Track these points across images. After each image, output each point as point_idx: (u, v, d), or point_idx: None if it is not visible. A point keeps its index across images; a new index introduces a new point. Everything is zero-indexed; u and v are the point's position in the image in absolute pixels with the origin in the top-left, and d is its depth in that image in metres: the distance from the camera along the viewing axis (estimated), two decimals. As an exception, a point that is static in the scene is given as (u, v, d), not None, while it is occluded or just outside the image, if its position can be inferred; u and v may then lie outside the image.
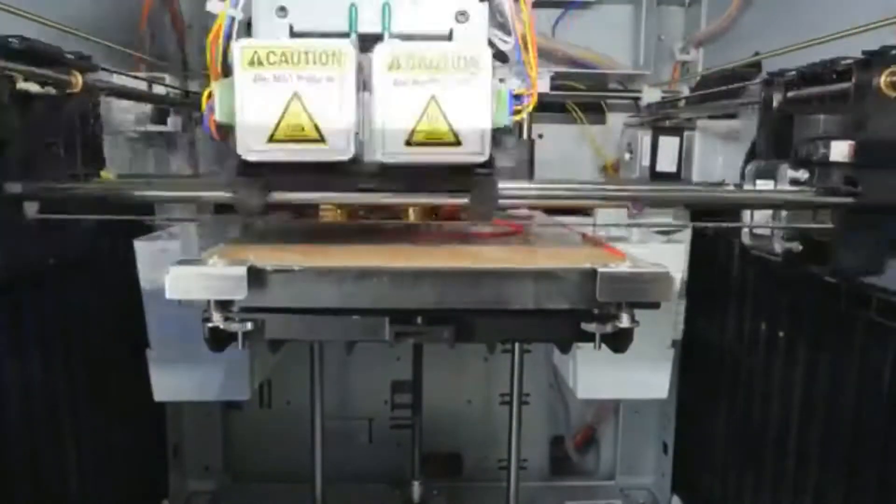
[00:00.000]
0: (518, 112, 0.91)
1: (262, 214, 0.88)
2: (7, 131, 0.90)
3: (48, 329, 1.14)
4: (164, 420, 1.75)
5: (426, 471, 1.68)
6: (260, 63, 0.80)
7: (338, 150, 0.82)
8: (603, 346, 0.85)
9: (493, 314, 0.84)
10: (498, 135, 0.88)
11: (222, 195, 0.88)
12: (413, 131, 0.82)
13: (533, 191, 0.99)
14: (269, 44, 0.80)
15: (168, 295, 0.75)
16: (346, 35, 0.88)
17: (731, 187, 1.17)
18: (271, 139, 0.81)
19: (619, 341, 0.84)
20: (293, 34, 0.90)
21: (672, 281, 0.80)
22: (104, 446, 1.33)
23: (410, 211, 0.94)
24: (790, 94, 1.07)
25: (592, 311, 0.83)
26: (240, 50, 0.80)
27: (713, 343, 1.48)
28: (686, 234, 1.40)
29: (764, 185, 1.06)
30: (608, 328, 0.83)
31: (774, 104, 1.09)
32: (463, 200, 0.88)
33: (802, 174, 0.99)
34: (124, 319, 1.24)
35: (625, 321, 0.80)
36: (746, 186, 1.10)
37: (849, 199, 0.91)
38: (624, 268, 0.79)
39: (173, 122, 1.59)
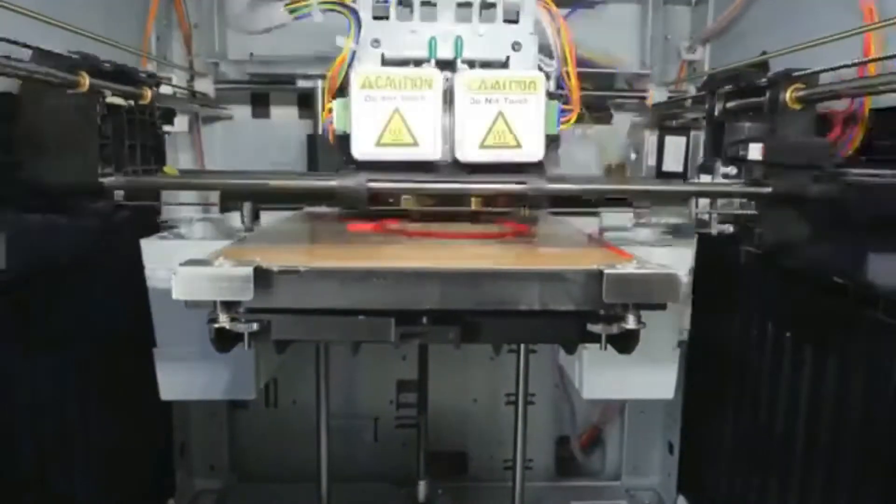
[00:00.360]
0: (564, 123, 1.14)
1: (367, 203, 1.07)
2: (103, 136, 1.14)
3: (56, 328, 1.14)
4: (171, 419, 1.75)
5: (431, 470, 1.68)
6: (370, 86, 1.03)
7: (427, 151, 1.04)
8: (609, 346, 0.85)
9: (498, 315, 0.84)
10: (549, 142, 1.09)
11: (334, 184, 1.06)
12: (485, 137, 1.05)
13: (575, 185, 1.18)
14: (378, 70, 1.05)
15: (174, 296, 0.76)
16: (426, 61, 1.13)
17: (680, 182, 1.47)
18: (378, 143, 1.04)
19: (625, 342, 0.84)
20: (384, 61, 1.15)
21: (679, 282, 0.79)
22: (111, 445, 1.34)
23: (472, 201, 1.16)
24: (728, 104, 1.30)
25: (598, 312, 0.82)
26: (356, 76, 1.03)
27: (719, 343, 1.48)
28: (693, 235, 1.40)
29: (705, 178, 1.32)
30: (614, 329, 0.83)
31: (716, 113, 1.33)
32: (522, 186, 1.08)
33: (731, 170, 1.25)
34: (131, 319, 1.24)
35: (631, 322, 0.80)
36: (692, 180, 1.36)
37: (767, 190, 1.14)
38: (630, 269, 0.79)
39: (179, 122, 1.60)
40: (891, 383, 0.96)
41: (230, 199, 1.33)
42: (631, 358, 0.86)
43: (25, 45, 0.97)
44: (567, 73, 1.16)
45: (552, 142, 1.11)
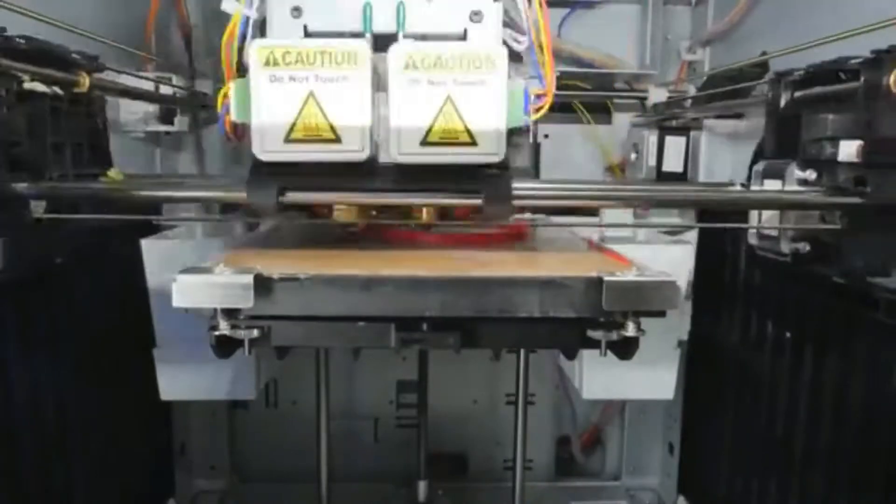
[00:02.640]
0: (535, 112, 0.91)
1: (277, 214, 0.88)
2: (14, 131, 0.90)
3: (55, 328, 1.14)
4: (171, 419, 1.75)
5: (432, 471, 1.68)
6: (276, 63, 0.80)
7: (353, 150, 0.82)
8: (608, 352, 0.86)
9: (498, 321, 0.84)
10: (513, 135, 0.89)
11: (237, 196, 0.88)
12: (428, 131, 0.82)
13: (547, 190, 1.00)
14: (285, 44, 0.81)
15: (175, 303, 0.76)
16: (360, 35, 0.89)
17: (739, 187, 1.15)
18: (287, 139, 0.82)
19: (624, 349, 0.84)
20: (307, 34, 0.90)
21: (678, 289, 0.80)
22: (111, 445, 1.34)
23: (424, 211, 0.93)
24: (797, 93, 1.05)
25: (598, 318, 0.82)
26: (256, 50, 0.80)
27: (719, 343, 1.48)
28: (693, 234, 1.39)
29: (771, 185, 1.05)
30: (614, 336, 0.83)
31: (781, 104, 1.07)
32: (477, 201, 0.87)
33: (810, 174, 0.98)
34: (131, 319, 1.24)
35: (631, 330, 0.80)
36: (753, 187, 1.09)
37: (857, 200, 0.90)
38: (630, 276, 0.79)
39: (180, 123, 1.59)
40: (891, 384, 0.95)
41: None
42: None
43: None
44: (540, 47, 0.91)
45: (519, 136, 0.95)
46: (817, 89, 1.01)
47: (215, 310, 0.78)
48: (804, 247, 1.03)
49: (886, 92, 0.86)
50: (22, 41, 0.91)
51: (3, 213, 0.90)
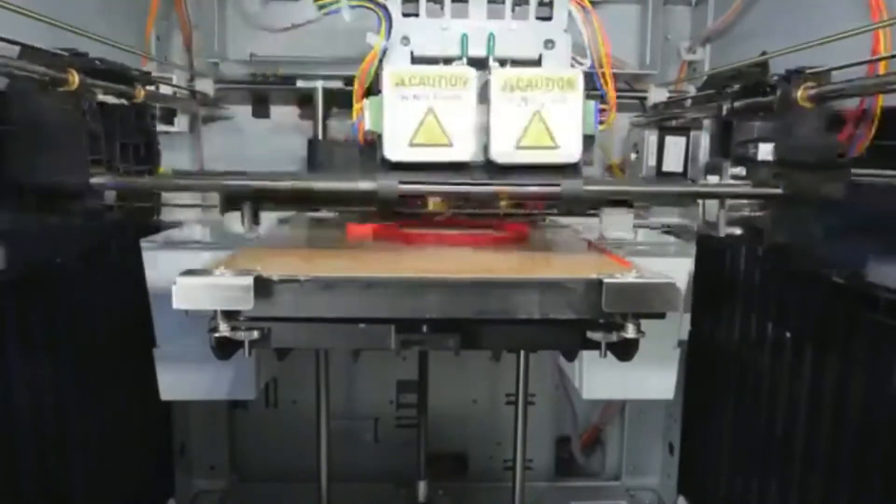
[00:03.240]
0: (602, 123, 1.10)
1: (400, 205, 1.05)
2: (94, 135, 1.09)
3: (56, 328, 1.14)
4: (171, 419, 1.75)
5: (432, 471, 1.68)
6: (403, 84, 0.98)
7: (462, 152, 1.00)
8: (608, 353, 0.86)
9: (498, 323, 0.85)
10: (585, 141, 1.05)
11: (367, 186, 1.03)
12: (521, 137, 1.00)
13: (609, 188, 1.16)
14: (411, 68, 1.01)
15: (175, 305, 0.76)
16: (457, 59, 1.11)
17: (689, 182, 1.42)
18: (411, 144, 0.99)
19: (624, 350, 0.85)
20: (414, 58, 1.13)
21: (678, 291, 0.80)
22: (111, 445, 1.34)
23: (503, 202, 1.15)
24: (736, 103, 1.25)
25: (598, 320, 0.83)
26: (389, 74, 0.99)
27: (719, 343, 1.48)
28: (693, 235, 1.39)
29: (712, 179, 1.28)
30: (614, 337, 0.83)
31: (724, 112, 1.28)
32: (557, 189, 1.03)
33: (741, 170, 1.20)
34: (131, 319, 1.24)
35: (630, 332, 0.81)
36: (700, 181, 1.32)
37: (778, 191, 1.10)
38: (630, 278, 0.80)
39: (180, 123, 1.60)
40: (891, 384, 0.96)
41: (230, 201, 1.28)
42: (631, 358, 0.86)
43: (13, 42, 0.95)
44: (602, 71, 1.13)
45: (589, 142, 1.08)
46: (748, 100, 1.22)
47: (215, 311, 0.79)
48: (736, 230, 1.25)
49: (795, 104, 1.07)
50: (98, 62, 1.12)
51: (83, 202, 1.07)
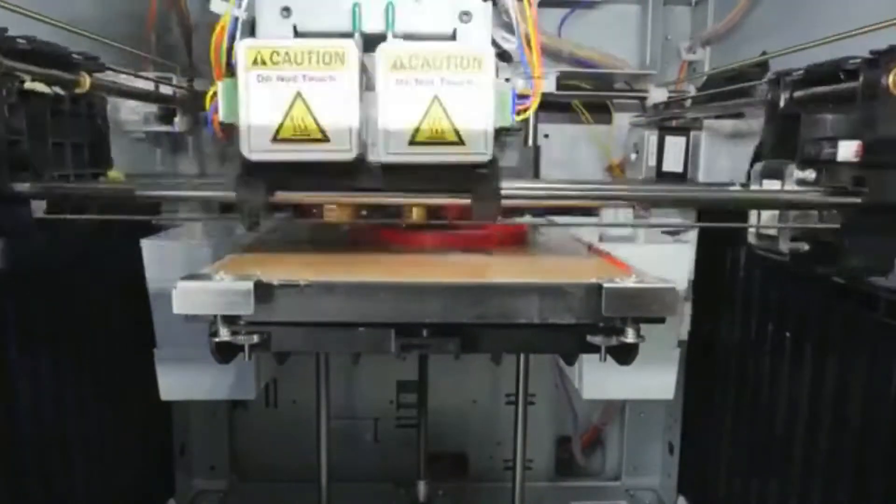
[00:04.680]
0: (521, 112, 0.91)
1: (266, 214, 0.88)
2: (14, 131, 0.90)
3: (56, 328, 1.14)
4: (171, 419, 1.75)
5: (432, 471, 1.68)
6: (263, 63, 0.80)
7: (341, 149, 0.82)
8: (608, 357, 0.86)
9: (498, 327, 0.84)
10: (501, 135, 0.90)
11: (226, 195, 0.88)
12: (416, 131, 0.82)
13: (537, 191, 1.00)
14: (272, 44, 0.80)
15: (175, 310, 0.76)
16: (349, 35, 0.88)
17: (738, 187, 1.15)
18: (275, 139, 0.81)
19: (624, 354, 0.84)
20: (297, 34, 0.90)
21: (677, 295, 0.80)
22: (111, 445, 1.34)
23: (414, 211, 0.93)
24: (797, 93, 1.05)
25: (598, 324, 0.83)
26: (243, 50, 0.80)
27: (719, 344, 1.48)
28: (693, 234, 1.39)
29: (770, 185, 1.05)
30: (614, 341, 0.83)
31: (781, 104, 1.07)
32: (465, 201, 0.87)
33: (809, 174, 0.98)
34: (131, 319, 1.24)
35: (630, 336, 0.81)
36: (753, 186, 1.09)
37: (856, 199, 0.91)
38: (629, 283, 0.80)
39: (180, 123, 1.59)
40: (891, 385, 0.95)
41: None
42: (631, 358, 0.86)
43: None
44: (529, 44, 0.92)
45: (508, 135, 0.96)
46: (816, 89, 1.00)
47: (215, 316, 0.78)
48: (803, 246, 1.03)
49: (885, 92, 0.86)
50: (23, 41, 0.91)
51: (4, 213, 0.90)
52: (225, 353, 0.82)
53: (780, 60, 1.19)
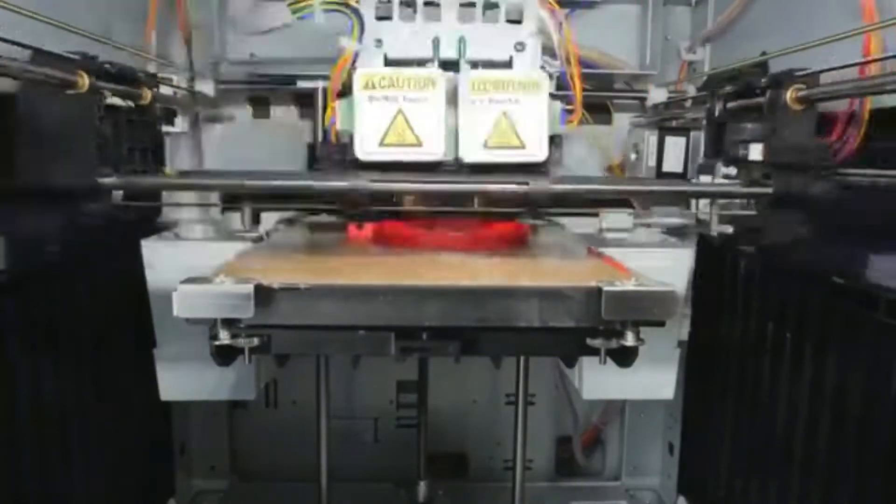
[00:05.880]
0: (568, 123, 1.16)
1: (370, 205, 1.06)
2: (102, 137, 1.12)
3: (56, 328, 1.14)
4: (171, 419, 1.75)
5: (432, 471, 1.68)
6: (373, 86, 1.03)
7: (431, 152, 1.05)
8: (608, 359, 0.86)
9: (498, 331, 0.85)
10: (553, 140, 1.10)
11: (339, 185, 1.05)
12: (489, 138, 1.06)
13: (576, 186, 1.16)
14: (381, 71, 1.06)
15: (175, 313, 0.77)
16: (430, 61, 1.14)
17: (681, 181, 1.46)
18: (381, 143, 1.04)
19: (624, 357, 0.85)
20: (387, 61, 1.16)
21: (676, 298, 0.81)
22: (111, 445, 1.34)
23: (476, 199, 1.16)
24: (728, 104, 1.28)
25: (598, 327, 0.83)
26: (359, 76, 1.04)
27: (719, 344, 1.48)
28: (693, 235, 1.40)
29: (705, 179, 1.32)
30: (613, 344, 0.83)
31: (716, 113, 1.32)
32: (525, 187, 1.05)
33: (732, 170, 1.25)
34: (131, 319, 1.24)
35: (630, 339, 0.81)
36: (693, 180, 1.39)
37: (768, 190, 1.13)
38: (629, 286, 0.80)
39: (180, 123, 1.60)
40: (891, 385, 0.96)
41: (228, 201, 1.32)
42: (631, 357, 0.86)
43: (25, 46, 0.96)
44: (570, 73, 1.18)
45: (555, 142, 1.11)
46: (739, 102, 1.24)
47: (216, 319, 0.79)
48: (727, 229, 1.30)
49: (784, 106, 1.10)
50: (108, 65, 1.14)
51: (92, 201, 1.10)
52: (225, 355, 0.82)
53: (780, 60, 1.20)
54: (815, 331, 1.14)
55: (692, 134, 1.56)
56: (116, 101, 1.19)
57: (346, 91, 1.10)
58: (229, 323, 0.80)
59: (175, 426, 1.77)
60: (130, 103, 1.24)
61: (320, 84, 1.68)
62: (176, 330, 1.15)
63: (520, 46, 1.18)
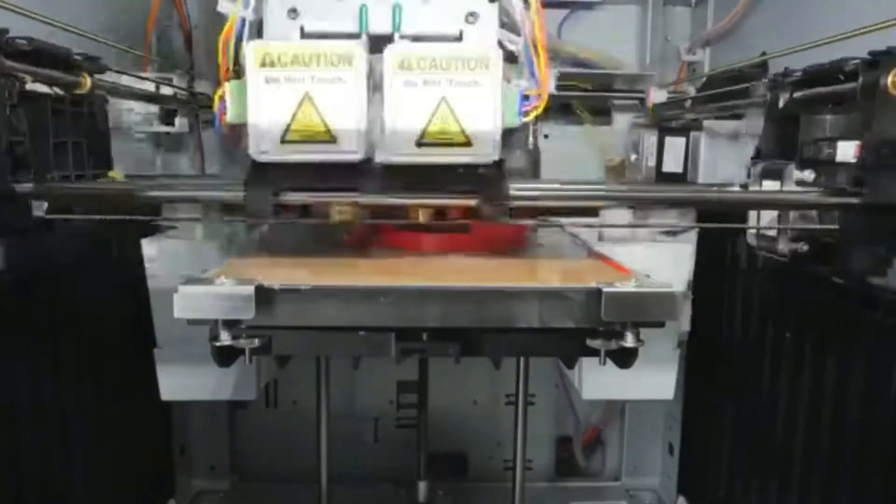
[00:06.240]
0: (528, 113, 0.91)
1: (272, 216, 0.89)
2: (16, 132, 0.91)
3: (56, 329, 1.14)
4: (171, 419, 1.75)
5: (432, 471, 1.68)
6: (272, 64, 0.80)
7: (349, 150, 0.83)
8: (608, 360, 0.86)
9: (498, 332, 0.84)
10: (507, 136, 0.89)
11: (233, 195, 0.89)
12: (423, 132, 0.83)
13: (544, 191, 1.00)
14: (281, 45, 0.81)
15: (176, 314, 0.76)
16: (356, 36, 0.89)
17: (737, 188, 1.16)
18: (283, 140, 0.82)
19: (623, 358, 0.85)
20: (304, 35, 0.90)
21: (676, 300, 0.80)
22: (111, 445, 1.34)
23: (420, 212, 0.93)
24: (796, 94, 1.06)
25: (598, 328, 0.83)
26: (252, 51, 0.80)
27: (719, 344, 1.48)
28: (692, 234, 1.39)
29: (770, 185, 1.06)
30: (613, 345, 0.83)
31: (780, 104, 1.08)
32: (472, 201, 0.88)
33: (808, 175, 0.99)
34: (131, 319, 1.24)
35: (630, 341, 0.81)
36: (752, 187, 1.10)
37: (855, 200, 0.91)
38: (629, 287, 0.80)
39: (180, 123, 1.59)
40: (891, 385, 0.96)
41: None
42: (631, 357, 0.86)
43: None
44: (535, 50, 0.91)
45: (511, 136, 0.94)
46: (815, 90, 1.01)
47: (216, 320, 0.79)
48: (802, 246, 1.04)
49: (884, 93, 0.86)
50: (24, 42, 0.91)
51: (5, 213, 0.91)
52: (226, 356, 0.82)
53: (780, 61, 1.19)
54: (815, 331, 1.14)
55: (692, 135, 1.56)
56: (40, 87, 0.97)
57: (240, 73, 0.86)
58: (230, 324, 0.79)
59: (175, 426, 1.77)
60: (57, 91, 1.00)
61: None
62: (176, 330, 1.15)
63: (471, 18, 0.91)
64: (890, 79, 0.86)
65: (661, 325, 0.81)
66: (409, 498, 1.67)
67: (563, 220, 1.36)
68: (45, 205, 0.96)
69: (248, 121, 0.82)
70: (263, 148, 0.82)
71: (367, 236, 1.15)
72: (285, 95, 0.81)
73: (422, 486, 1.66)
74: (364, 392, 1.95)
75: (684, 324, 1.41)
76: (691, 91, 1.66)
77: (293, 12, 0.91)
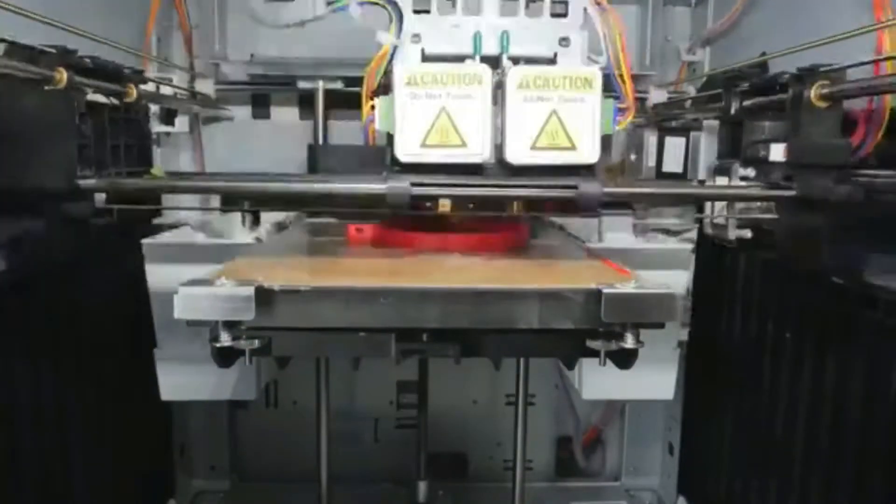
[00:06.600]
0: (620, 123, 1.08)
1: (410, 207, 1.00)
2: (83, 136, 1.07)
3: (56, 328, 1.14)
4: (171, 419, 1.75)
5: (432, 471, 1.68)
6: (416, 83, 0.96)
7: (476, 153, 0.98)
8: (608, 361, 0.86)
9: (498, 332, 0.85)
10: (603, 142, 1.03)
11: (376, 188, 1.00)
12: (537, 138, 0.98)
13: (629, 190, 1.15)
14: (423, 67, 0.98)
15: (176, 315, 0.76)
16: (470, 57, 1.07)
17: (695, 184, 1.39)
18: (423, 144, 0.97)
19: (623, 359, 0.85)
20: (425, 56, 1.10)
21: (676, 301, 0.81)
22: (111, 445, 1.34)
23: (515, 205, 1.09)
24: (745, 102, 1.23)
25: (598, 329, 0.83)
26: (401, 72, 0.96)
27: (719, 344, 1.48)
28: (693, 234, 1.39)
29: (721, 181, 1.26)
30: (613, 346, 0.83)
31: (731, 111, 1.25)
32: (574, 191, 1.00)
33: (750, 172, 1.19)
34: (131, 319, 1.24)
35: (629, 342, 0.81)
36: (707, 182, 1.31)
37: (790, 193, 1.06)
38: (629, 289, 0.80)
39: (180, 123, 1.60)
40: (891, 385, 0.96)
41: (231, 203, 1.27)
42: (631, 357, 0.86)
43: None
44: (620, 70, 1.10)
45: (606, 143, 1.07)
46: (757, 99, 1.18)
47: (217, 321, 0.79)
48: (746, 233, 1.24)
49: (808, 103, 1.03)
50: (88, 60, 1.07)
51: (72, 205, 1.05)
52: (226, 357, 0.82)
53: (780, 61, 1.19)
54: (815, 331, 1.14)
55: (692, 135, 1.56)
56: (99, 98, 1.13)
57: (380, 89, 1.05)
58: (230, 325, 0.79)
59: (175, 426, 1.77)
60: (113, 100, 1.18)
61: (320, 84, 1.69)
62: (176, 330, 1.15)
63: (565, 42, 1.10)
64: (813, 91, 1.03)
65: (661, 325, 0.81)
66: (409, 498, 1.67)
67: (563, 221, 1.37)
68: (104, 196, 1.10)
69: (395, 129, 0.97)
70: (407, 150, 0.97)
71: (374, 234, 1.16)
72: (426, 108, 0.96)
73: (422, 486, 1.66)
74: (364, 392, 1.95)
75: (684, 324, 1.42)
76: (691, 91, 1.66)
77: (416, 37, 1.10)
